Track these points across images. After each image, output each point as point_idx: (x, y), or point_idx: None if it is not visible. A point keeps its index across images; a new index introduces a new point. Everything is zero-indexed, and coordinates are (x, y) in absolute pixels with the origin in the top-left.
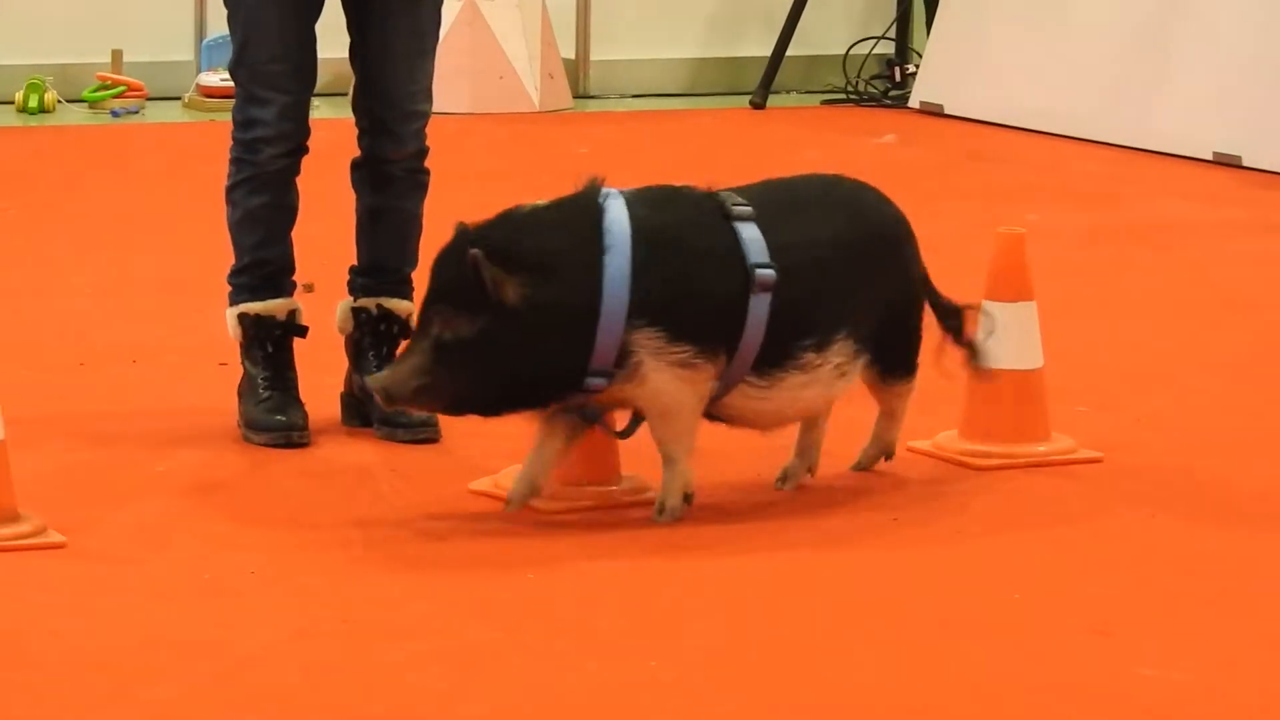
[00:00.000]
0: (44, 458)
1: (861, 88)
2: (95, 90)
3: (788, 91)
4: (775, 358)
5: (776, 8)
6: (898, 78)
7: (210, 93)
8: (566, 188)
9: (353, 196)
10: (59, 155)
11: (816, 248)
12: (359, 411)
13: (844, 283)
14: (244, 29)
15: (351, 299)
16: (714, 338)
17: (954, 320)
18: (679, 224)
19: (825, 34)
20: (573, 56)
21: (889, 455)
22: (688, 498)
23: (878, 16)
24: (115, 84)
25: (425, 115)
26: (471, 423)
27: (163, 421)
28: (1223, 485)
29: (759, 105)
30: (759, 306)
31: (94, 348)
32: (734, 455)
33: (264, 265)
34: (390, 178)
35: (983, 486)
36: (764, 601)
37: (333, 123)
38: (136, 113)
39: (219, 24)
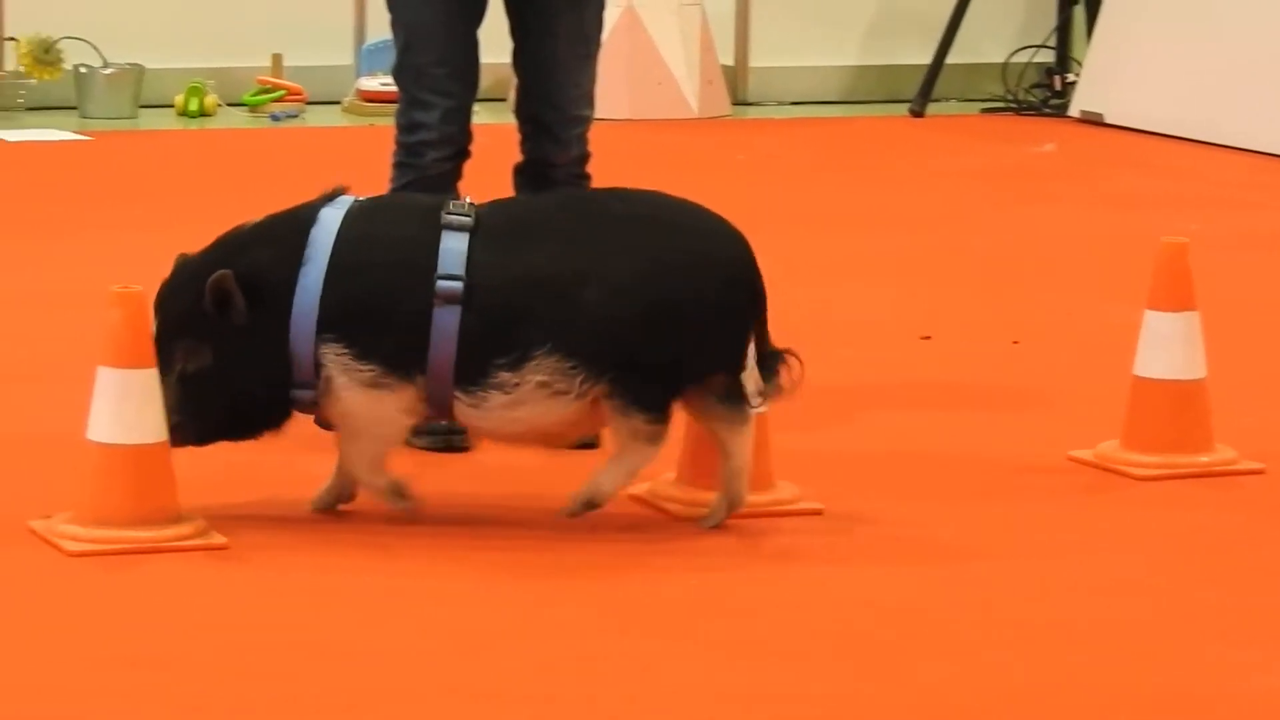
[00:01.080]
0: (207, 458)
1: (1021, 96)
2: (255, 94)
3: (947, 100)
4: (474, 374)
5: (936, 16)
6: (1057, 86)
7: (369, 97)
8: (726, 193)
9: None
10: (219, 159)
11: (530, 264)
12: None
13: (557, 302)
14: (407, 32)
15: None
16: (402, 354)
17: (770, 364)
18: (379, 235)
19: (985, 42)
20: (731, 63)
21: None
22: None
23: (1038, 25)
24: (275, 88)
25: (588, 120)
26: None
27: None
28: None
29: (918, 113)
30: (444, 320)
31: None
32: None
33: None
34: (553, 182)
35: (1143, 496)
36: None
37: (492, 128)
38: (296, 117)
39: (379, 28)
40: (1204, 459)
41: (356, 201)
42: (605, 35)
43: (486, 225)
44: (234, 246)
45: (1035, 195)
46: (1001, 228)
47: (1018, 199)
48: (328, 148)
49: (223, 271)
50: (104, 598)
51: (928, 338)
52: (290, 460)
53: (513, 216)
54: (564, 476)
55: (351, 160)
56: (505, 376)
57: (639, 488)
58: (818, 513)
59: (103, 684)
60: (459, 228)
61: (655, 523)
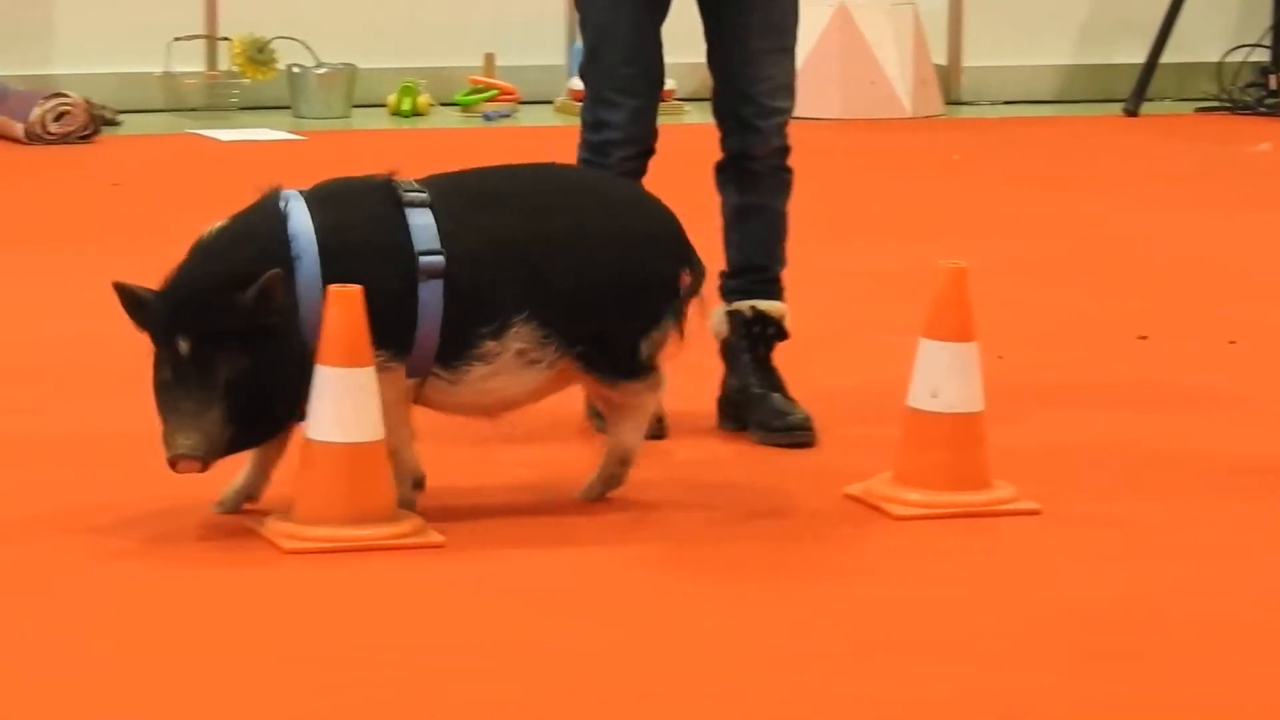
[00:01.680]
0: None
1: (1236, 95)
2: (468, 94)
3: (1161, 99)
4: (458, 347)
5: (1150, 15)
6: (1273, 85)
7: (581, 97)
8: (939, 193)
9: (712, 202)
10: (431, 158)
11: (493, 232)
12: (735, 415)
13: (525, 269)
14: (595, 34)
15: (725, 303)
16: (399, 335)
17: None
18: (354, 221)
19: (1200, 41)
20: (944, 63)
21: (625, 462)
22: (418, 483)
23: (1253, 23)
24: (488, 87)
25: (787, 112)
26: (845, 428)
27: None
28: None
29: (1132, 112)
30: (428, 295)
31: None
32: None
33: None
34: (756, 175)
35: None
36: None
37: (699, 128)
38: (508, 116)
39: None
40: None
41: (304, 192)
42: (817, 35)
43: (441, 199)
44: (219, 251)
45: (1250, 195)
46: (1216, 228)
47: (1232, 199)
48: (540, 147)
49: (275, 271)
50: (322, 596)
51: (1144, 337)
52: (490, 453)
53: (464, 189)
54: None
55: (563, 159)
56: (490, 346)
57: (854, 488)
58: (1035, 513)
59: (316, 683)
60: (419, 204)
61: (875, 521)
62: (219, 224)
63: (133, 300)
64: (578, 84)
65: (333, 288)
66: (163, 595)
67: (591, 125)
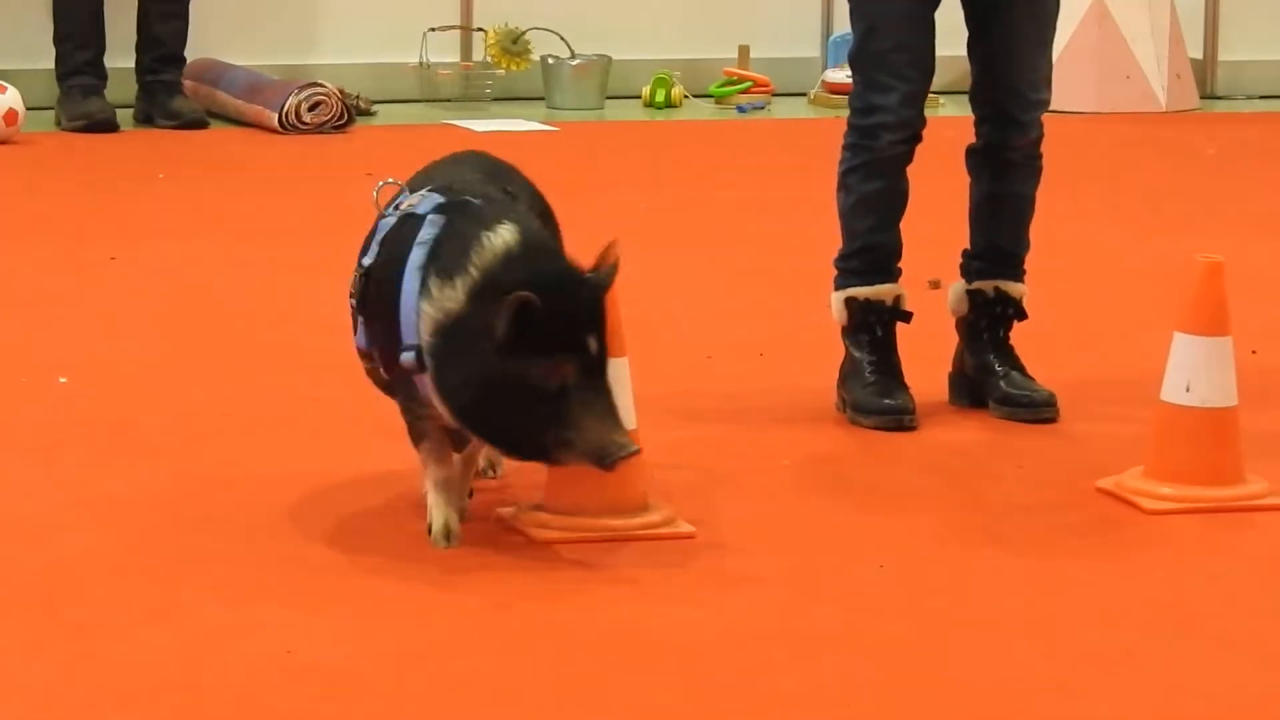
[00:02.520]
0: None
1: None
2: (721, 85)
3: None
4: None
5: None
6: None
7: (836, 89)
8: (1193, 188)
9: (958, 187)
10: (685, 150)
11: None
12: (969, 391)
13: None
14: (869, 17)
15: (966, 282)
16: None
17: None
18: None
19: None
20: (1200, 56)
21: None
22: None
23: None
24: (742, 79)
25: (1047, 103)
26: (1093, 420)
27: (780, 410)
28: None
29: None
30: None
31: (720, 341)
32: None
33: (875, 250)
34: (1011, 164)
35: None
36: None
37: (954, 120)
38: (763, 108)
39: (846, 21)
40: None
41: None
42: (1074, 27)
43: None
44: (555, 249)
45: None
46: None
47: None
48: (793, 139)
49: (614, 263)
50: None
51: None
52: (748, 446)
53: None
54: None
55: (816, 151)
56: None
57: (1105, 481)
58: None
59: (586, 672)
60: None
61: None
62: (511, 223)
63: (543, 309)
64: (832, 76)
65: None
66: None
67: (861, 110)
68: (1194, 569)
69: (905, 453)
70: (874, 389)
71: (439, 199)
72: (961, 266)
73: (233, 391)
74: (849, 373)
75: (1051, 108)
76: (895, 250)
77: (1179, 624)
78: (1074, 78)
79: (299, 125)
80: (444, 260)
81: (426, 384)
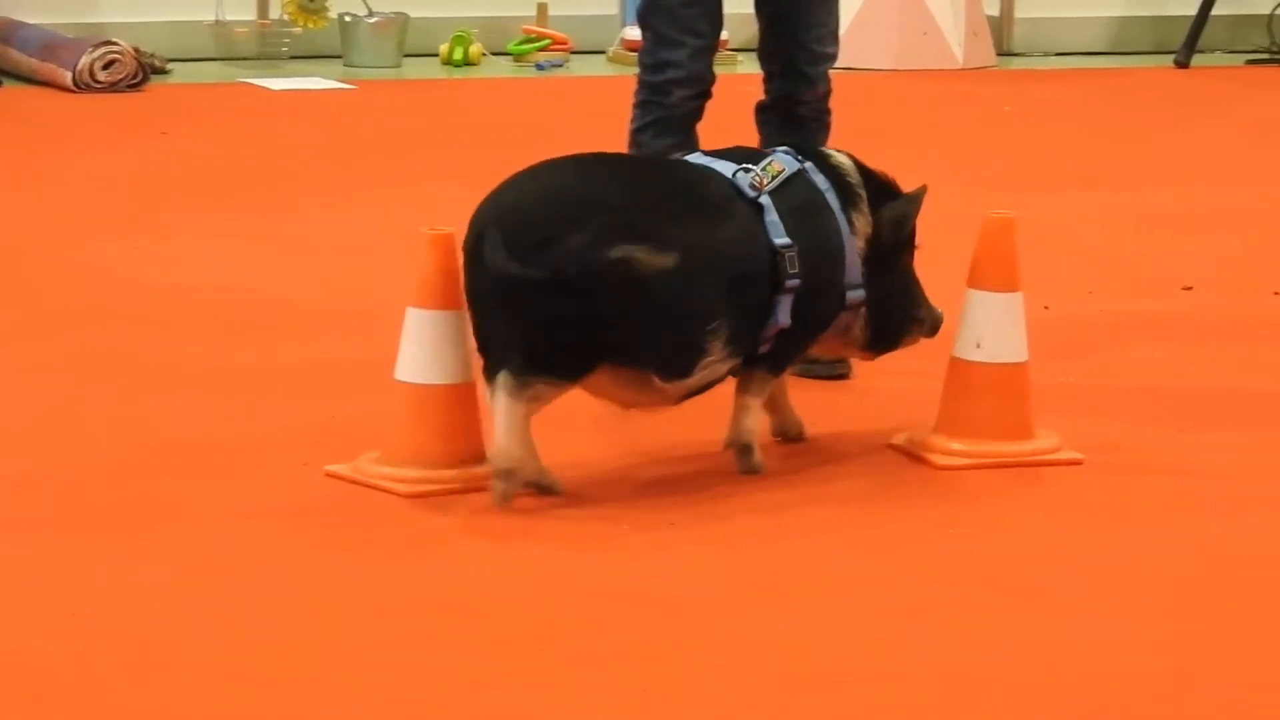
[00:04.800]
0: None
1: None
2: (520, 43)
3: (1212, 51)
4: None
5: None
6: None
7: (634, 47)
8: (991, 145)
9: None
10: (483, 108)
11: None
12: None
13: None
14: None
15: None
16: None
17: None
18: None
19: None
20: (997, 14)
21: None
22: None
23: None
24: (540, 37)
25: (835, 57)
26: (887, 378)
27: None
28: None
29: (1183, 64)
30: None
31: None
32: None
33: None
34: (800, 119)
35: None
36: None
37: (752, 77)
38: (561, 66)
39: None
40: None
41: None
42: None
43: None
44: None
45: None
46: (1264, 181)
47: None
48: (592, 97)
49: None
50: (420, 537)
51: (1189, 289)
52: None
53: None
54: None
55: (615, 110)
56: None
57: (898, 438)
58: (1078, 463)
59: (409, 629)
60: None
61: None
62: (835, 152)
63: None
64: (630, 34)
65: (426, 230)
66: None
67: (651, 66)
68: (988, 523)
69: (701, 411)
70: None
71: (789, 156)
72: None
73: (41, 348)
74: None
75: (851, 65)
76: None
77: (977, 576)
78: (873, 35)
79: (93, 84)
80: (846, 196)
81: (853, 319)
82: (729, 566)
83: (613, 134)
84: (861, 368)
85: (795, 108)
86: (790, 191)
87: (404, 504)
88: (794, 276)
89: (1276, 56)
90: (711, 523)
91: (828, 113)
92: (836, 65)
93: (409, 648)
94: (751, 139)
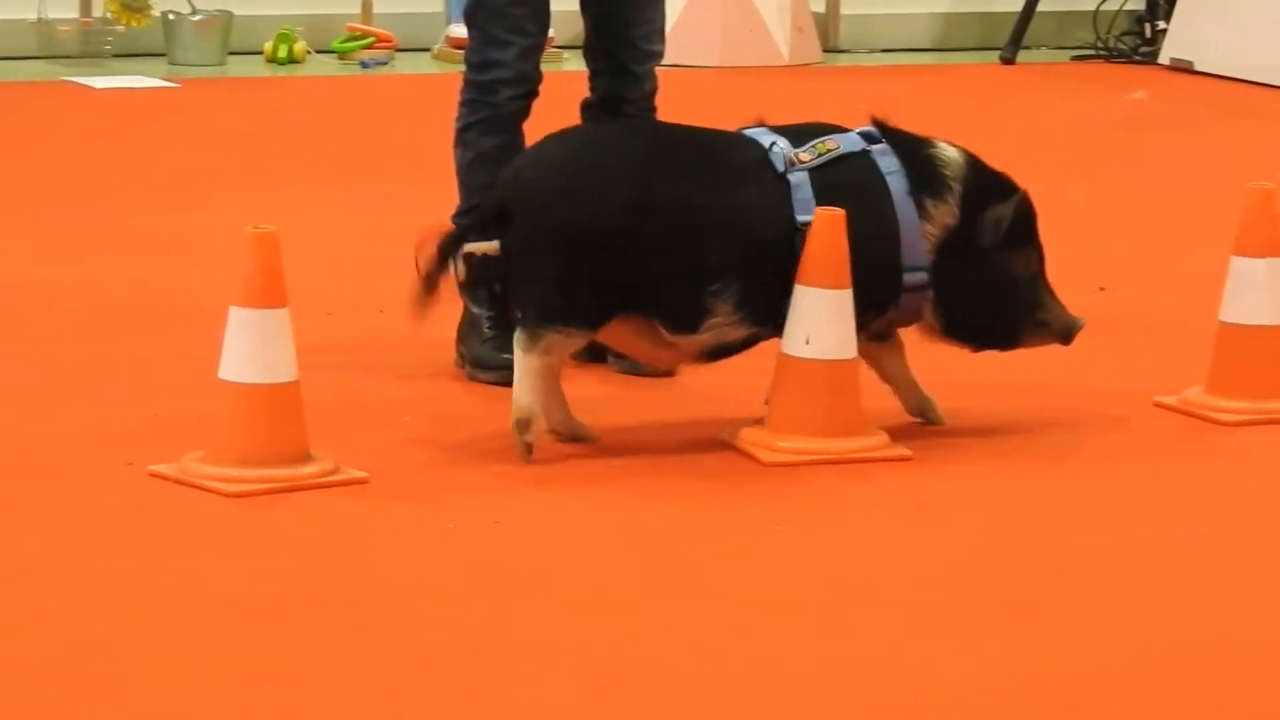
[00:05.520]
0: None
1: (1111, 44)
2: (345, 41)
3: (1038, 47)
4: None
5: None
6: (1148, 34)
7: (459, 44)
8: None
9: None
10: (308, 106)
11: None
12: (590, 346)
13: None
14: None
15: None
16: None
17: None
18: None
19: None
20: (823, 10)
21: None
22: None
23: None
24: (365, 35)
25: (660, 55)
26: (719, 375)
27: (400, 367)
28: None
29: (1009, 60)
30: None
31: (340, 298)
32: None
33: None
34: (625, 117)
35: (1230, 443)
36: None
37: (578, 75)
38: (386, 64)
39: None
40: None
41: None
42: None
43: None
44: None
45: (1126, 143)
46: (1091, 175)
47: (1108, 146)
48: (417, 95)
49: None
50: (244, 537)
51: None
52: (370, 402)
53: None
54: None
55: (441, 107)
56: None
57: (726, 434)
58: (907, 459)
59: (231, 629)
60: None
61: None
62: (941, 142)
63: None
64: (455, 31)
65: (249, 229)
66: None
67: (478, 65)
68: (814, 520)
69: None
70: (493, 344)
71: (857, 136)
72: None
73: None
74: (468, 329)
75: (676, 62)
76: None
77: (803, 573)
78: (697, 31)
79: None
80: (926, 183)
81: (921, 301)
82: (549, 565)
83: (439, 131)
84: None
85: (621, 106)
86: (836, 170)
87: (228, 504)
88: None
89: (1102, 52)
90: (530, 519)
91: (653, 110)
92: (662, 63)
93: (232, 648)
94: None
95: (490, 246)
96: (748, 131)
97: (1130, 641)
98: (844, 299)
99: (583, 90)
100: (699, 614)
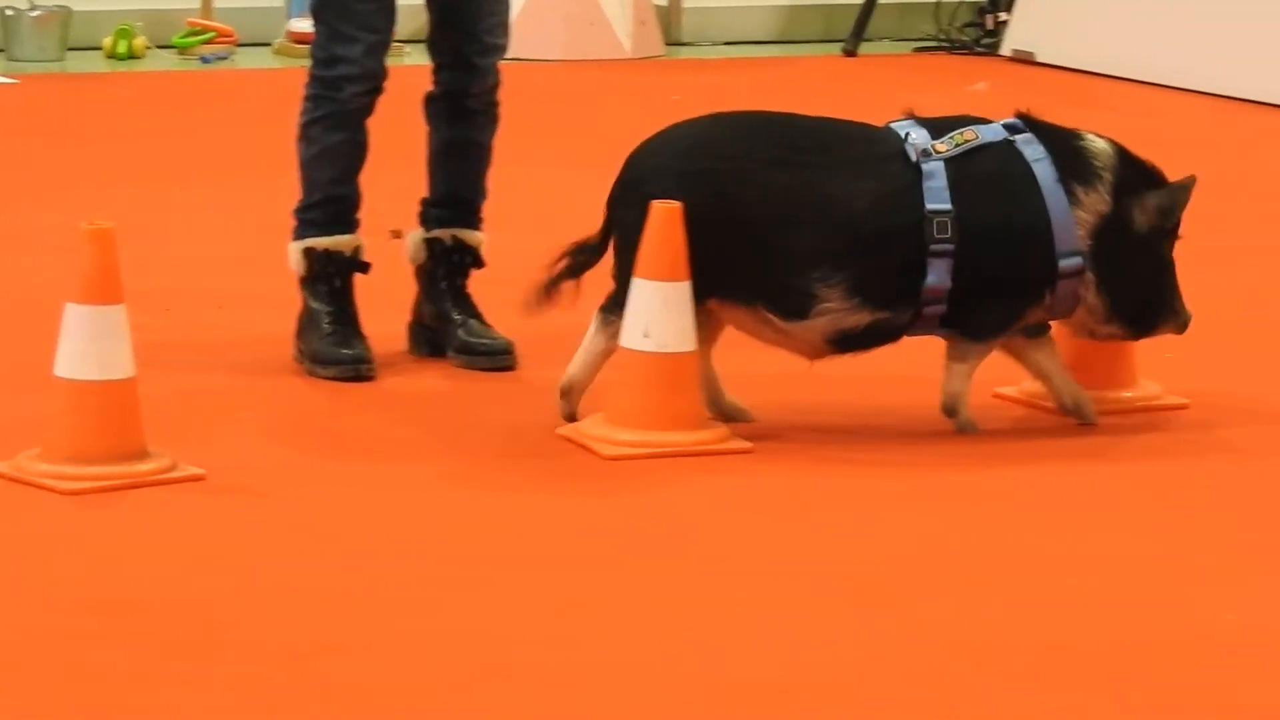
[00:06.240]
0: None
1: (953, 35)
2: (185, 36)
3: (880, 39)
4: None
5: None
6: (989, 25)
7: (300, 39)
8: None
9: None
10: (148, 102)
11: None
12: (429, 340)
13: None
14: None
15: (424, 230)
16: None
17: None
18: None
19: None
20: (665, 3)
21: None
22: None
23: None
24: (205, 29)
25: (504, 49)
26: (552, 360)
27: (240, 363)
28: None
29: (851, 53)
30: None
31: (180, 292)
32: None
33: (336, 201)
34: (469, 111)
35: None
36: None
37: (419, 69)
38: (226, 59)
39: None
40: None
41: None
42: None
43: None
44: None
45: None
46: None
47: None
48: (258, 90)
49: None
50: (83, 535)
51: None
52: (212, 399)
53: None
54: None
55: (282, 101)
56: None
57: (566, 428)
58: (748, 452)
59: (72, 628)
60: None
61: None
62: (1088, 133)
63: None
64: (296, 25)
65: (85, 225)
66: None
67: (324, 61)
68: (653, 513)
69: (369, 403)
70: (332, 339)
71: (1000, 127)
72: (420, 215)
73: None
74: (307, 324)
75: (518, 56)
76: (355, 202)
77: (641, 567)
78: (540, 26)
79: None
80: (1074, 171)
81: (1081, 286)
82: (389, 558)
83: (280, 126)
84: (528, 358)
85: (463, 100)
86: (976, 160)
87: (65, 501)
88: (944, 241)
89: (944, 44)
90: (370, 514)
91: (496, 104)
92: (504, 56)
93: (69, 646)
94: (421, 131)
95: (336, 242)
96: (895, 124)
97: (960, 631)
98: (681, 291)
99: (425, 85)
100: (536, 608)
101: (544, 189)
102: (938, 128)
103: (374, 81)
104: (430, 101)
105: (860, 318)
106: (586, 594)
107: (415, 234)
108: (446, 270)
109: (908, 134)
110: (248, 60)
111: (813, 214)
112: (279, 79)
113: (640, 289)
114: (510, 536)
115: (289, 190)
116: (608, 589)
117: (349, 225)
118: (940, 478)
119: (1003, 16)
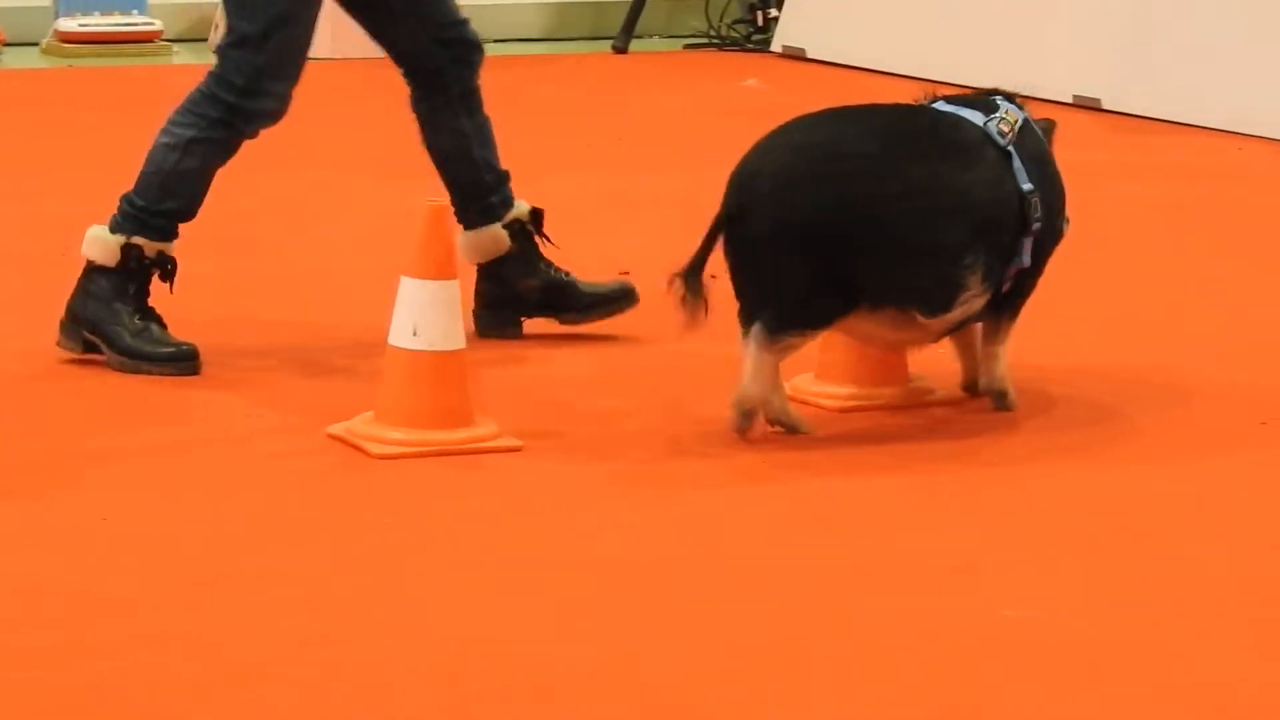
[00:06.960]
0: None
1: (724, 32)
2: None
3: (650, 36)
4: None
5: None
6: (760, 22)
7: (68, 38)
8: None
9: None
10: None
11: None
12: (507, 320)
13: None
14: (282, 5)
15: (498, 221)
16: None
17: None
18: None
19: None
20: None
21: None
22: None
23: None
24: None
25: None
26: (327, 361)
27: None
28: (1092, 427)
29: (621, 49)
30: None
31: None
32: None
33: (184, 215)
34: (474, 91)
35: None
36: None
37: (188, 68)
38: None
39: None
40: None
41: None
42: None
43: None
44: None
45: (738, 130)
46: (703, 163)
47: (720, 134)
48: (26, 90)
49: None
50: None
51: (626, 273)
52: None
53: None
54: None
55: (50, 101)
56: None
57: (335, 427)
58: (517, 449)
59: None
60: None
61: None
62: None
63: None
64: (64, 25)
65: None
66: None
67: (247, 91)
68: (422, 511)
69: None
70: (147, 336)
71: (1010, 100)
72: (482, 210)
73: None
74: (106, 317)
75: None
76: (193, 213)
77: (407, 566)
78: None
79: None
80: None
81: None
82: (164, 563)
83: (50, 125)
84: (302, 359)
85: (471, 82)
86: (1025, 140)
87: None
88: (1038, 220)
89: (715, 40)
90: (142, 518)
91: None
92: None
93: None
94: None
95: (165, 248)
96: (938, 106)
97: (742, 630)
98: (450, 290)
99: (188, 82)
100: (305, 610)
101: (332, 188)
102: (978, 108)
103: (282, 116)
104: (436, 108)
105: (980, 301)
106: (346, 595)
107: (489, 229)
108: (532, 243)
109: (987, 120)
110: (14, 60)
111: (951, 204)
112: (47, 78)
113: (408, 287)
114: (273, 539)
115: (63, 187)
116: (368, 590)
117: (177, 235)
118: (706, 469)
119: (773, 13)
